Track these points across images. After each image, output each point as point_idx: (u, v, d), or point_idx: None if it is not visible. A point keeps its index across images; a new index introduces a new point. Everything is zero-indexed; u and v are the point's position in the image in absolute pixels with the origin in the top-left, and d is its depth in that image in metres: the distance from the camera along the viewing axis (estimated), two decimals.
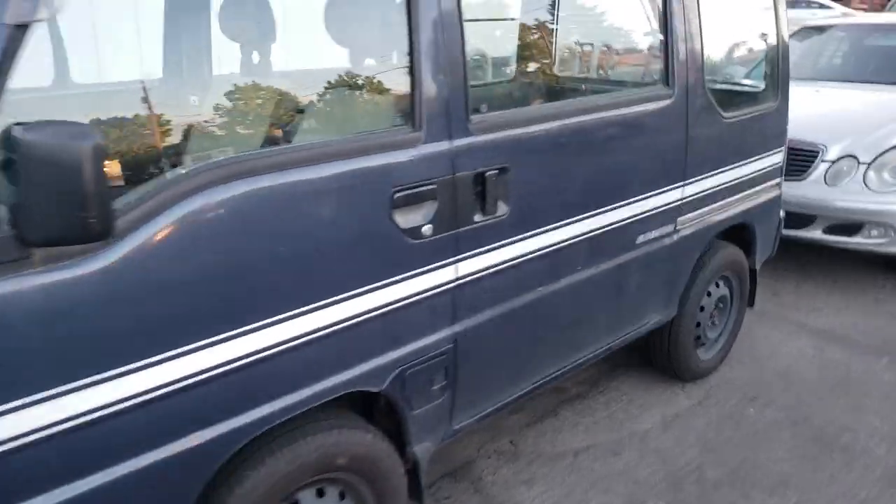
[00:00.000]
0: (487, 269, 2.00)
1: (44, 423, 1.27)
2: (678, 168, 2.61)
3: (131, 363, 1.36)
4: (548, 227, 2.15)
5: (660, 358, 3.11)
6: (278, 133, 1.74)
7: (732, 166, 2.89)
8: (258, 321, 1.53)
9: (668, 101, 2.48)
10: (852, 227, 4.18)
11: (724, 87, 2.94)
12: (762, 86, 3.12)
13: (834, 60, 5.56)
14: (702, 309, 3.08)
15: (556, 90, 2.54)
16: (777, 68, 3.08)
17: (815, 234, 4.26)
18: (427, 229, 1.79)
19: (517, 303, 2.13)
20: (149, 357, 1.39)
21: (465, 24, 1.79)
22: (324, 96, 1.81)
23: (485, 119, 1.91)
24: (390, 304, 1.77)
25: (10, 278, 1.20)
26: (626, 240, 2.48)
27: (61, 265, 1.25)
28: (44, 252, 1.22)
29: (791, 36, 6.06)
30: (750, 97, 3.10)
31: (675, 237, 2.70)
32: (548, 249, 2.17)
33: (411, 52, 1.70)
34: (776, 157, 3.19)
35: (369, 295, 1.71)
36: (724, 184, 2.86)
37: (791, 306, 4.06)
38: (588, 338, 2.51)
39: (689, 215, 2.73)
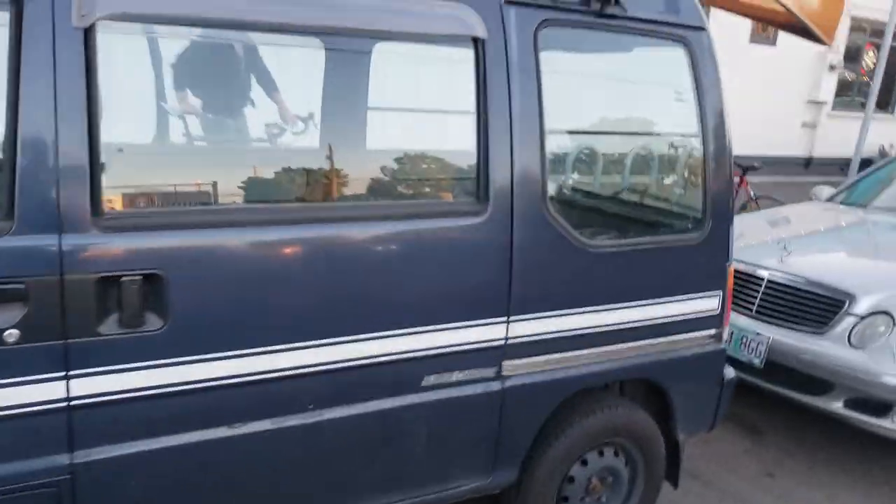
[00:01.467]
0: (131, 391, 1.68)
1: None
2: (497, 302, 2.11)
3: None
4: (244, 353, 1.78)
5: None
6: None
7: (607, 308, 2.31)
8: None
9: (476, 220, 2.03)
10: (880, 406, 3.24)
11: (592, 206, 2.40)
12: (672, 209, 2.51)
13: None
14: (570, 480, 2.46)
15: (291, 190, 2.16)
16: (704, 185, 2.44)
17: (834, 406, 3.36)
18: (10, 335, 1.53)
19: (191, 438, 1.77)
20: None
21: (104, 89, 1.55)
22: None
23: (129, 215, 1.64)
24: None
25: None
26: (399, 380, 2.02)
27: None
28: None
29: None
30: (647, 223, 2.50)
31: (502, 385, 2.18)
32: (246, 379, 1.80)
33: (9, 128, 1.49)
34: (705, 304, 2.53)
35: None
36: (592, 328, 2.29)
37: (779, 495, 3.19)
38: (325, 496, 2.03)
39: (525, 360, 2.20)
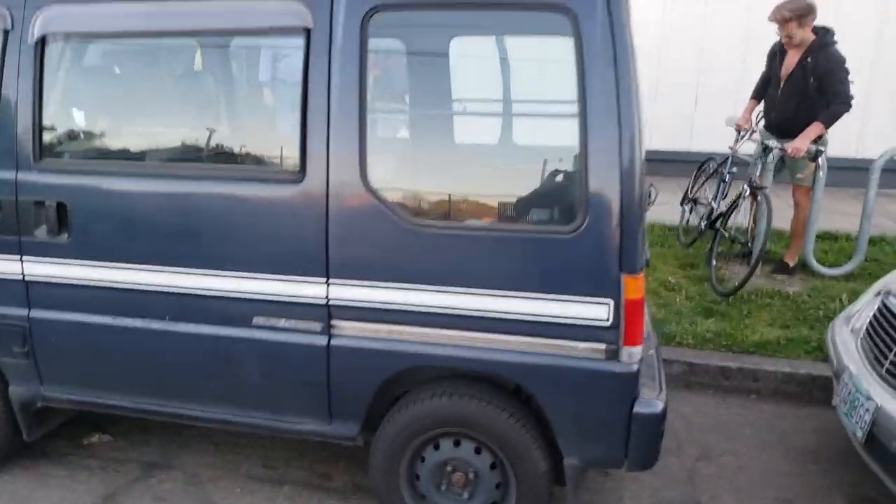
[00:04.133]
0: (56, 277, 2.58)
1: None
2: (315, 263, 2.34)
3: None
4: (114, 265, 2.51)
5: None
6: None
7: (436, 290, 2.27)
8: None
9: (293, 187, 2.32)
10: None
11: (425, 185, 2.28)
12: (525, 197, 2.20)
13: None
14: (422, 459, 2.47)
15: (160, 152, 2.62)
16: (582, 177, 2.10)
17: None
18: None
19: (90, 319, 2.58)
20: None
21: (49, 75, 2.47)
22: None
23: (53, 162, 2.53)
24: None
25: None
26: (231, 314, 2.46)
27: None
28: None
29: None
30: (491, 207, 2.25)
31: (328, 340, 2.40)
32: (119, 285, 2.52)
33: None
34: (582, 310, 2.18)
35: None
36: (422, 306, 2.29)
37: None
38: (181, 392, 2.59)
39: (353, 323, 2.37)
